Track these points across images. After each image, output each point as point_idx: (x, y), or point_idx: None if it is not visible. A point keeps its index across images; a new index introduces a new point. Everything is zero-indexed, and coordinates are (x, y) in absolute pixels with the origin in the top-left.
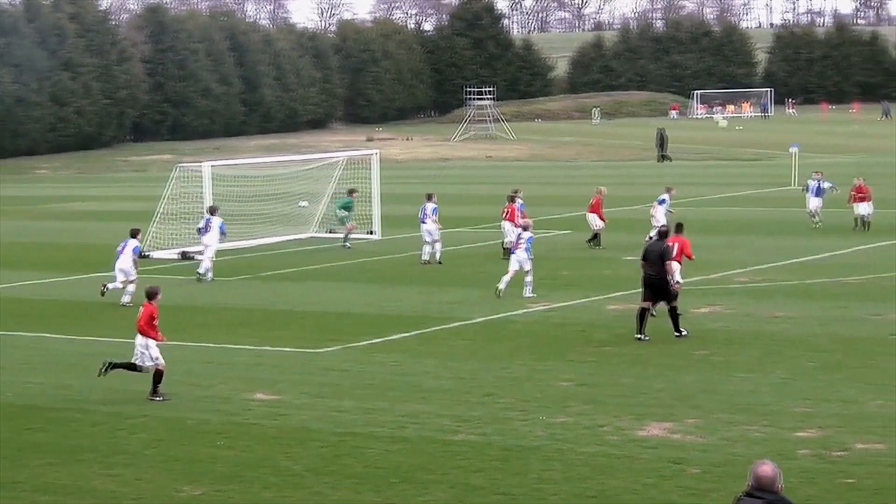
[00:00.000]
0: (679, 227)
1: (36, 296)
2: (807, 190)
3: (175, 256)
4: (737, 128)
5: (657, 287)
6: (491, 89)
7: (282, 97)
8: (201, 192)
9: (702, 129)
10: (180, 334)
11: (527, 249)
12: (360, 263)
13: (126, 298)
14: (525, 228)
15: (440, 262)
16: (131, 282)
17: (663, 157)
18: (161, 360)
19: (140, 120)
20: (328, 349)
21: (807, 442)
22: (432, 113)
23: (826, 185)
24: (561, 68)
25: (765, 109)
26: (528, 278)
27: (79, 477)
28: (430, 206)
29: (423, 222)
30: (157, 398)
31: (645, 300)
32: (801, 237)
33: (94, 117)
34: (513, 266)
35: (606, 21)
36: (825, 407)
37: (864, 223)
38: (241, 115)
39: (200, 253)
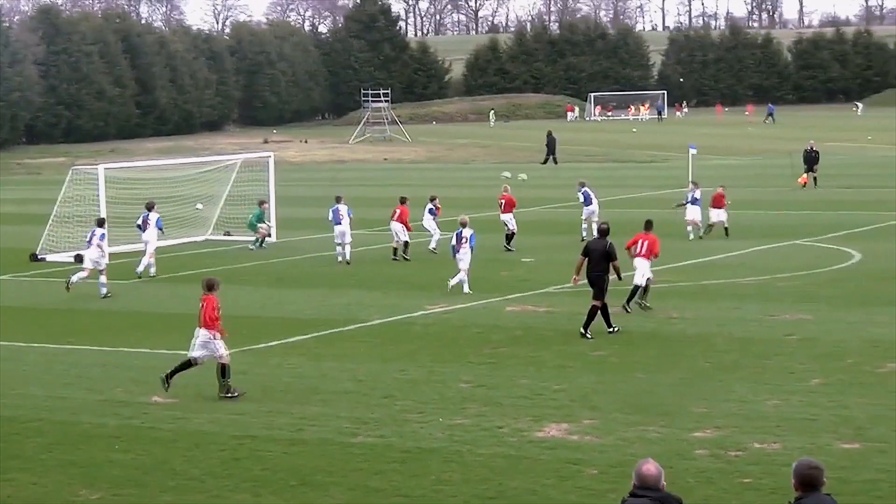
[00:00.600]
0: (648, 225)
1: None
2: (686, 201)
3: (69, 259)
4: (632, 130)
5: (595, 284)
6: (387, 92)
7: (177, 99)
8: (96, 195)
9: (597, 131)
10: (76, 337)
11: (472, 247)
12: (257, 266)
13: (104, 290)
14: (464, 225)
15: (348, 263)
16: (101, 271)
17: (552, 160)
18: (226, 355)
19: (33, 122)
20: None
21: (704, 442)
22: (328, 115)
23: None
24: (457, 71)
25: (659, 112)
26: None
27: None
28: (343, 207)
29: (338, 223)
30: (232, 394)
31: (595, 298)
32: (697, 239)
33: None
34: (461, 265)
35: (502, 24)
36: (722, 407)
37: (724, 229)
38: (135, 117)
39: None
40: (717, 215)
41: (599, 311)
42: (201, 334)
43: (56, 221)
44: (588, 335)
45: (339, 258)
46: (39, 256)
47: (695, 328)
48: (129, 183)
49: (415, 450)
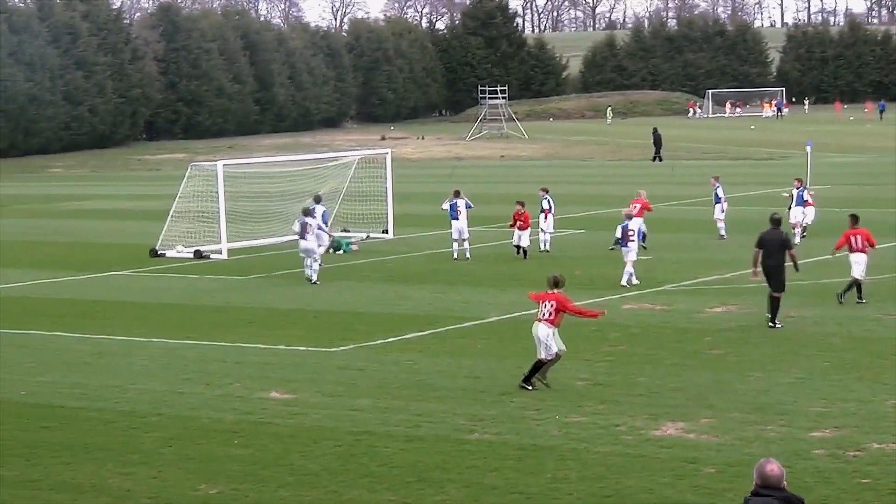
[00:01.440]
0: (855, 219)
1: (49, 294)
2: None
3: (189, 255)
4: (750, 127)
5: (773, 275)
6: (504, 88)
7: (294, 96)
8: (215, 191)
9: (714, 128)
10: (195, 332)
11: (641, 238)
12: (374, 262)
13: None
14: (629, 217)
15: (468, 259)
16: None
17: (658, 157)
18: (553, 349)
19: (153, 119)
20: (342, 348)
21: (822, 442)
22: (445, 112)
23: (807, 196)
24: (574, 67)
25: (779, 109)
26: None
27: (93, 475)
28: (461, 202)
29: (456, 219)
30: (528, 387)
31: (775, 290)
32: (820, 237)
33: (108, 116)
34: (629, 257)
35: (619, 20)
36: (840, 406)
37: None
38: (254, 113)
39: (215, 252)
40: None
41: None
42: (541, 329)
43: (175, 217)
44: (778, 324)
45: (456, 255)
46: (159, 252)
47: (813, 327)
48: (247, 179)
49: (531, 447)
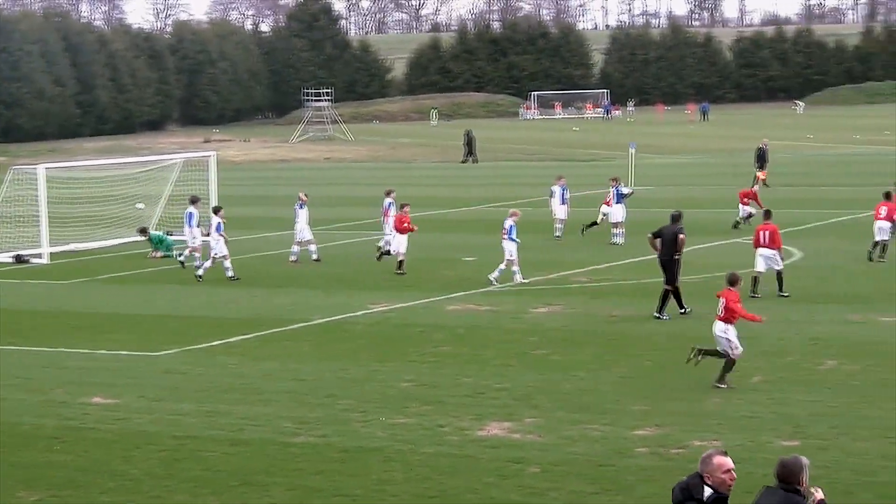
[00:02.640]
0: (767, 215)
1: None
2: (552, 196)
3: (9, 260)
4: (574, 129)
5: (665, 267)
6: (329, 90)
7: (117, 98)
8: (36, 195)
9: (538, 129)
10: (17, 338)
11: (512, 238)
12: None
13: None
14: (513, 216)
15: (317, 260)
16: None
17: (472, 159)
18: (739, 349)
19: None
20: (167, 352)
21: (645, 440)
22: (270, 114)
23: (625, 190)
24: (399, 69)
25: (607, 111)
26: (514, 266)
27: None
28: (301, 211)
29: (297, 222)
30: (724, 385)
31: (667, 283)
32: (639, 236)
33: None
34: (505, 255)
35: (444, 22)
36: (663, 405)
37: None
38: (75, 116)
39: (36, 256)
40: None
41: (672, 295)
42: (716, 325)
43: None
44: (687, 309)
45: (293, 257)
46: None
47: (636, 327)
48: (69, 183)
49: (356, 449)
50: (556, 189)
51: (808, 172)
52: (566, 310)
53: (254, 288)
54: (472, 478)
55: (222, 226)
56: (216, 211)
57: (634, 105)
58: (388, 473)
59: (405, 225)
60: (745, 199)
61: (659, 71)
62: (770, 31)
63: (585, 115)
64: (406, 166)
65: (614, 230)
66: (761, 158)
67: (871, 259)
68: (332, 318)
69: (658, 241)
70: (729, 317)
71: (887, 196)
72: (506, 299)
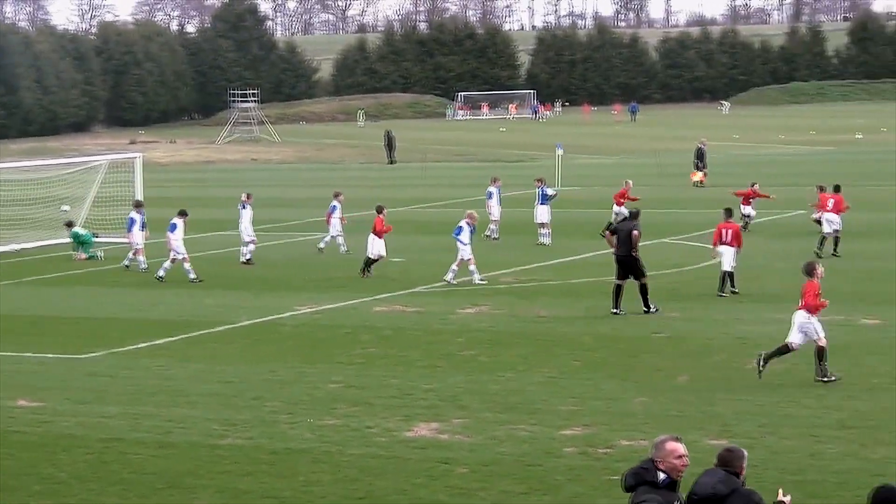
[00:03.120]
0: (728, 213)
1: None
2: (490, 197)
3: None
4: (500, 129)
5: (626, 264)
6: (255, 92)
7: (42, 100)
8: None
9: (464, 130)
10: None
11: (456, 238)
12: (125, 267)
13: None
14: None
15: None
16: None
17: (390, 160)
18: (825, 338)
19: None
20: (92, 354)
21: (573, 439)
22: (196, 116)
23: (549, 191)
24: (325, 70)
25: (534, 111)
26: (471, 266)
27: None
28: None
29: (241, 221)
30: (829, 378)
31: (618, 278)
32: (566, 237)
33: None
34: (461, 255)
35: (370, 23)
36: (590, 405)
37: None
38: None
39: None
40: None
41: (640, 290)
42: (799, 317)
43: None
44: (653, 308)
45: (247, 257)
46: None
47: (563, 327)
48: None
49: (284, 451)
50: (493, 190)
51: (733, 173)
52: (493, 310)
53: (180, 290)
54: (400, 479)
55: (176, 226)
56: (182, 214)
57: (562, 105)
58: (316, 475)
59: (382, 228)
60: (746, 200)
61: (585, 72)
62: (696, 31)
63: (510, 116)
64: (333, 167)
65: (541, 230)
66: (700, 158)
67: (819, 256)
68: (260, 320)
69: (614, 238)
70: (810, 305)
71: (836, 189)
72: (433, 300)
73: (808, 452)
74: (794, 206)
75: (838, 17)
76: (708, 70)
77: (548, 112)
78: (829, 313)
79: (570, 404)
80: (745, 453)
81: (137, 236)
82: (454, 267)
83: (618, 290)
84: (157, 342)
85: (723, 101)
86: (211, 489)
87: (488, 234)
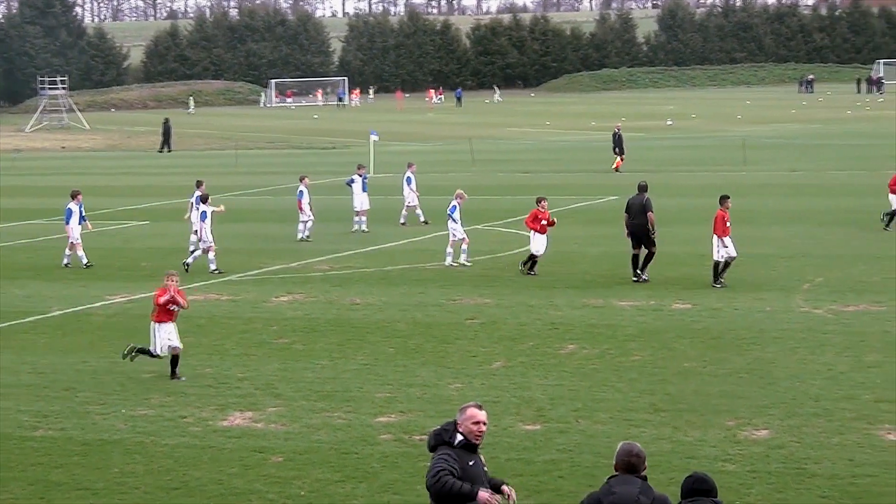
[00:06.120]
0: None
1: None
2: (409, 183)
3: None
4: (313, 116)
5: (638, 235)
6: (64, 79)
7: None
8: None
9: (279, 118)
10: None
11: (450, 215)
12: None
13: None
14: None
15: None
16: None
17: (166, 148)
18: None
19: None
20: None
21: (388, 427)
22: (3, 103)
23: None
24: (136, 57)
25: (340, 98)
26: (457, 247)
27: None
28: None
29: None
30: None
31: (634, 248)
32: (380, 224)
33: None
34: (454, 236)
35: (180, 10)
36: (405, 391)
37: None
38: None
39: None
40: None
41: (645, 258)
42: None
43: None
44: (644, 277)
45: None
46: None
47: (378, 314)
48: None
49: (97, 442)
50: (410, 175)
51: (545, 159)
52: (308, 298)
53: None
54: (215, 468)
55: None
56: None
57: (374, 92)
58: (130, 466)
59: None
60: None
61: (398, 58)
62: (507, 18)
63: (317, 103)
64: (145, 155)
65: (359, 218)
66: (618, 144)
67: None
68: (71, 310)
69: (626, 216)
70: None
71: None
72: (246, 289)
73: (622, 436)
74: (607, 192)
75: (648, 5)
76: (520, 57)
77: (356, 98)
78: (641, 298)
79: (385, 391)
80: (645, 453)
81: (75, 229)
82: (449, 250)
83: (635, 259)
84: None
85: (496, 87)
86: (22, 481)
87: (403, 221)
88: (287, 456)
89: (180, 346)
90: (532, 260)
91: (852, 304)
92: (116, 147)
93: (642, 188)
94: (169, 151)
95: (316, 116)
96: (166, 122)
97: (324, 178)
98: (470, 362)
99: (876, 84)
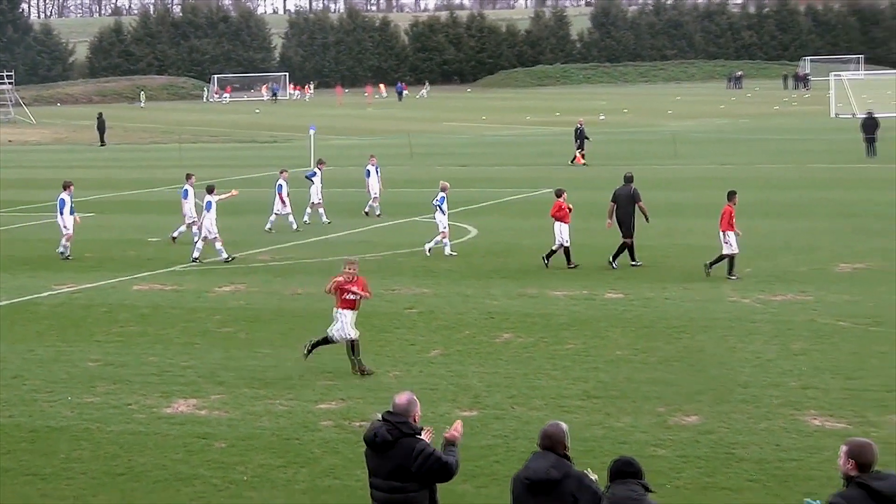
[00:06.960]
0: (559, 192)
1: None
2: (369, 176)
3: None
4: (255, 111)
5: (627, 224)
6: (10, 73)
7: None
8: None
9: (221, 112)
10: None
11: (438, 206)
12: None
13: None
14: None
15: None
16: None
17: (101, 141)
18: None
19: None
20: None
21: (329, 413)
22: None
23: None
24: (81, 53)
25: (274, 93)
26: (445, 239)
27: None
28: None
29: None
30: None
31: (625, 236)
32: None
33: None
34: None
35: (125, 6)
36: (346, 379)
37: None
38: None
39: None
40: None
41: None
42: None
43: None
44: (639, 262)
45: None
46: None
47: (319, 303)
48: None
49: (44, 429)
50: (371, 168)
51: (481, 153)
52: (250, 288)
53: None
54: (160, 454)
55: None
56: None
57: (314, 88)
58: (77, 452)
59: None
60: None
61: (338, 55)
62: (444, 16)
63: (262, 98)
64: (89, 148)
65: (312, 210)
66: (580, 138)
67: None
68: (17, 300)
69: (613, 205)
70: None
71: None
72: (190, 279)
73: None
74: (542, 185)
75: (582, 3)
76: (457, 53)
77: (297, 93)
78: (575, 288)
79: (325, 379)
80: (566, 428)
81: (68, 220)
82: (446, 241)
83: (631, 248)
84: None
85: (426, 84)
86: None
87: (367, 210)
88: (230, 442)
89: (353, 335)
90: (564, 251)
91: (780, 293)
92: (62, 140)
93: (628, 179)
94: (102, 145)
95: (258, 111)
96: (100, 116)
97: (265, 171)
98: (408, 350)
99: (802, 80)
